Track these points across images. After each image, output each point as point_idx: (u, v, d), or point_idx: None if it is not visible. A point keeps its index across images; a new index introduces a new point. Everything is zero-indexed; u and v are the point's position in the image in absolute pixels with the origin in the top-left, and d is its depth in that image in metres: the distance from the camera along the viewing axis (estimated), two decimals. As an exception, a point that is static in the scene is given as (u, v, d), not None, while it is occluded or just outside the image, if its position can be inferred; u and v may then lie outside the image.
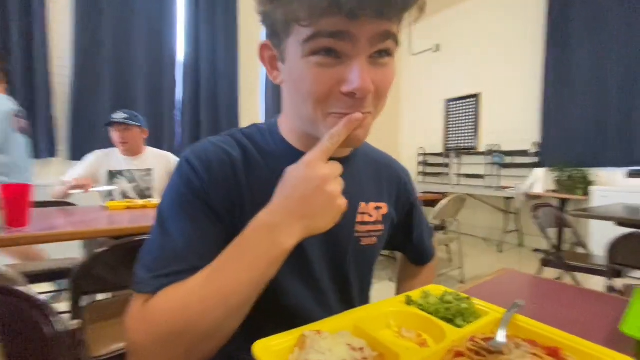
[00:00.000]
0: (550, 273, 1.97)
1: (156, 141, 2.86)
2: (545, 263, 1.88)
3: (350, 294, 0.53)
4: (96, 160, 1.77)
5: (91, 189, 1.56)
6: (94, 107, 2.66)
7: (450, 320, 0.35)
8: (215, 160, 0.43)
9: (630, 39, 2.91)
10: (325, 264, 0.49)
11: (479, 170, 4.12)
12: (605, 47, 3.06)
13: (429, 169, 4.76)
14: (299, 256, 0.44)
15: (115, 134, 1.74)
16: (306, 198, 0.36)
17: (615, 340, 0.36)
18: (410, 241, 0.63)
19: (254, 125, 0.50)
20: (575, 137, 3.28)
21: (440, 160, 4.58)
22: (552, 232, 2.93)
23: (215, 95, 3.25)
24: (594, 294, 0.50)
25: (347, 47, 0.36)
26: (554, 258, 1.85)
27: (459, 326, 0.34)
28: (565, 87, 3.34)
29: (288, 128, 0.48)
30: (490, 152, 3.96)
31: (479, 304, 0.39)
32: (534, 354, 0.29)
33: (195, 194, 0.41)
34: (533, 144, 3.65)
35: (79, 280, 0.90)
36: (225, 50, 3.29)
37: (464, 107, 4.34)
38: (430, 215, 2.39)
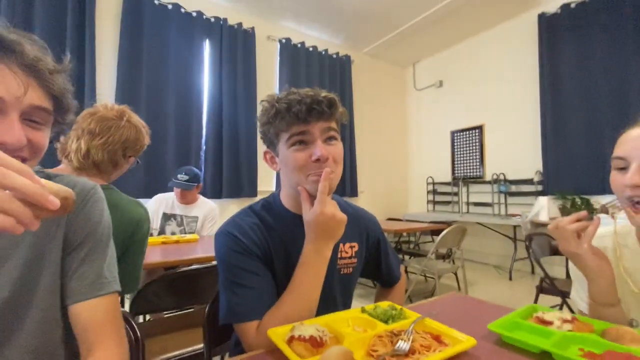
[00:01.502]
0: (551, 299, 2.08)
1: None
2: (541, 290, 2.01)
3: (336, 308, 0.76)
4: (156, 204, 2.14)
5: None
6: (132, 151, 3.06)
7: (385, 321, 0.58)
8: (247, 228, 0.70)
9: (618, 70, 3.11)
10: None
11: (487, 199, 4.25)
12: (594, 78, 3.27)
13: (439, 198, 4.92)
14: None
15: (177, 191, 2.12)
16: (330, 229, 0.65)
17: (491, 335, 0.57)
18: (379, 269, 0.87)
19: (263, 199, 0.78)
20: (574, 165, 3.42)
21: (449, 189, 4.74)
22: (560, 260, 3.01)
23: (236, 137, 3.63)
24: (501, 308, 0.71)
25: (309, 138, 0.66)
26: (548, 285, 1.97)
27: (387, 324, 0.57)
28: (560, 118, 3.54)
29: (286, 198, 0.76)
30: (496, 181, 4.11)
31: (408, 312, 0.62)
32: (423, 337, 0.51)
33: (245, 252, 0.67)
34: (536, 173, 3.79)
35: (135, 302, 1.16)
36: (245, 96, 3.70)
37: (469, 138, 4.55)
38: (433, 245, 2.56)
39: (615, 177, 0.66)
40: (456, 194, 4.63)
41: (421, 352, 0.48)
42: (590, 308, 0.66)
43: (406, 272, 3.35)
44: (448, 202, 4.75)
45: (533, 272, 3.78)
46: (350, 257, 0.78)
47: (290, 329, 0.52)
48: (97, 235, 0.57)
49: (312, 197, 0.66)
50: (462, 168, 4.63)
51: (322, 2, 3.64)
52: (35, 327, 0.51)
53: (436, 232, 3.38)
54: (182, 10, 3.37)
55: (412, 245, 4.22)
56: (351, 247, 0.78)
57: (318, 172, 0.65)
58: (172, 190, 2.16)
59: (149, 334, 1.33)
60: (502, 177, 4.08)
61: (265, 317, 0.62)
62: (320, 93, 0.66)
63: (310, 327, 0.50)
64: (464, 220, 3.79)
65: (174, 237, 1.90)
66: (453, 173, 4.72)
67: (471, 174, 4.50)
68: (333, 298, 0.75)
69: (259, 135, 2.84)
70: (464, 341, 0.50)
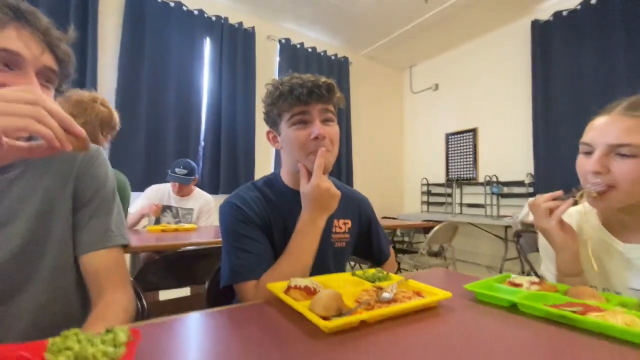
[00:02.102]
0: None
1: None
2: (527, 284, 2.08)
3: None
4: (152, 193, 2.18)
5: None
6: (132, 141, 3.09)
7: (372, 282, 0.65)
8: (250, 200, 0.76)
9: (608, 76, 3.22)
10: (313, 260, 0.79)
11: (479, 200, 4.34)
12: (585, 83, 3.37)
13: (433, 199, 5.00)
14: None
15: (174, 184, 2.15)
16: (324, 201, 0.72)
17: (467, 293, 0.64)
18: (371, 247, 0.94)
19: (264, 177, 0.85)
20: (564, 168, 3.52)
21: (442, 190, 4.82)
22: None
23: (234, 134, 3.69)
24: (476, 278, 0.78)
25: (309, 118, 0.73)
26: (534, 279, 2.04)
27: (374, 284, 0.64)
28: (551, 122, 3.64)
29: (286, 175, 0.82)
30: (488, 183, 4.20)
31: (394, 277, 0.68)
32: (404, 291, 0.58)
33: (247, 221, 0.74)
34: (527, 175, 3.88)
35: (136, 280, 1.21)
36: (244, 94, 3.76)
37: (463, 141, 4.65)
38: (424, 241, 2.63)
39: (580, 162, 0.72)
40: (450, 195, 4.72)
41: (402, 301, 0.54)
42: (557, 278, 0.73)
43: (399, 269, 3.42)
44: (442, 203, 4.84)
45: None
46: (343, 233, 0.84)
47: (287, 283, 0.58)
48: (104, 192, 0.64)
49: (310, 173, 0.73)
50: (456, 170, 4.72)
51: (322, 3, 3.72)
52: (49, 272, 0.57)
53: (429, 231, 3.46)
54: (184, 8, 3.43)
55: (405, 245, 4.29)
56: (344, 223, 0.85)
57: (316, 149, 0.72)
58: (166, 182, 2.18)
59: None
60: (494, 179, 4.17)
61: (263, 277, 0.68)
62: (320, 78, 0.74)
63: (305, 280, 0.56)
64: (457, 221, 3.88)
65: (173, 226, 1.95)
66: (447, 175, 4.81)
67: (465, 175, 4.59)
68: (327, 270, 0.81)
69: (256, 132, 2.95)
70: (441, 293, 0.57)
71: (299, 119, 0.73)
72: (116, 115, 1.35)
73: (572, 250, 0.69)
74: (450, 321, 0.52)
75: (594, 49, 3.32)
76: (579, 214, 0.79)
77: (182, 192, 2.18)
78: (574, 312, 0.50)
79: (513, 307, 0.57)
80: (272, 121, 0.79)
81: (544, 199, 0.71)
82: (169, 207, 2.17)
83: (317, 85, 0.71)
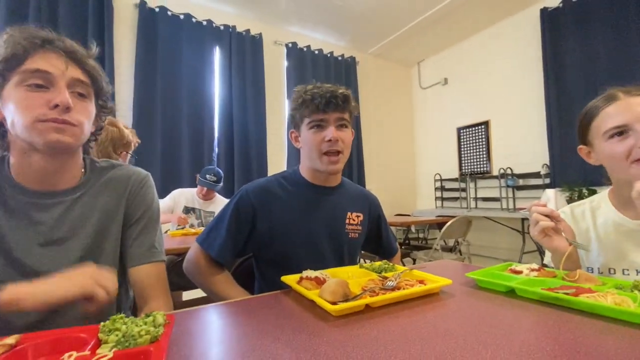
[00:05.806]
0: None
1: (198, 179, 3.37)
2: (544, 275, 2.07)
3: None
4: (178, 195, 2.39)
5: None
6: (149, 152, 3.23)
7: (379, 272, 0.69)
8: (264, 189, 0.86)
9: (621, 61, 3.13)
10: (329, 248, 0.88)
11: (494, 193, 4.28)
12: (598, 70, 3.29)
13: (447, 194, 4.96)
14: (313, 245, 0.82)
15: (202, 189, 2.38)
16: None
17: (469, 281, 0.68)
18: (381, 242, 1.00)
19: (286, 171, 0.95)
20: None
21: (456, 185, 4.78)
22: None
23: (247, 139, 3.78)
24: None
25: (325, 123, 0.83)
26: (550, 270, 2.04)
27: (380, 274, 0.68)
28: (565, 110, 3.57)
29: (304, 170, 0.92)
30: (503, 176, 4.14)
31: (399, 268, 0.73)
32: (407, 279, 0.62)
33: (243, 210, 0.84)
34: (543, 166, 3.82)
35: (162, 281, 1.29)
36: (254, 100, 3.86)
37: (475, 134, 4.60)
38: (438, 236, 2.64)
39: (614, 147, 0.70)
40: (464, 189, 4.67)
41: (405, 288, 0.58)
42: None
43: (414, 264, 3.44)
44: (456, 198, 4.79)
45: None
46: (356, 225, 0.92)
47: (299, 275, 0.63)
48: (150, 212, 0.73)
49: None
50: (469, 164, 4.68)
51: (325, 4, 3.77)
52: None
53: (441, 226, 3.45)
54: (193, 19, 3.55)
55: (420, 242, 4.29)
56: (357, 216, 0.92)
57: (329, 149, 0.83)
58: (191, 186, 2.41)
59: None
60: (509, 171, 4.12)
61: (212, 265, 0.84)
62: (338, 89, 0.84)
63: (315, 272, 0.62)
64: (472, 215, 3.84)
65: (193, 230, 2.05)
66: (460, 169, 4.77)
67: (478, 169, 4.54)
68: (342, 261, 0.89)
69: (268, 137, 3.11)
70: (441, 280, 0.61)
71: (316, 123, 0.84)
72: (127, 133, 1.42)
73: (561, 252, 0.70)
74: (449, 305, 0.56)
75: (606, 33, 3.24)
76: (590, 209, 0.83)
77: (207, 196, 2.38)
78: (567, 294, 0.53)
79: (511, 293, 0.61)
80: (295, 123, 0.90)
81: (535, 209, 0.72)
82: (193, 209, 2.34)
83: (334, 96, 0.82)
